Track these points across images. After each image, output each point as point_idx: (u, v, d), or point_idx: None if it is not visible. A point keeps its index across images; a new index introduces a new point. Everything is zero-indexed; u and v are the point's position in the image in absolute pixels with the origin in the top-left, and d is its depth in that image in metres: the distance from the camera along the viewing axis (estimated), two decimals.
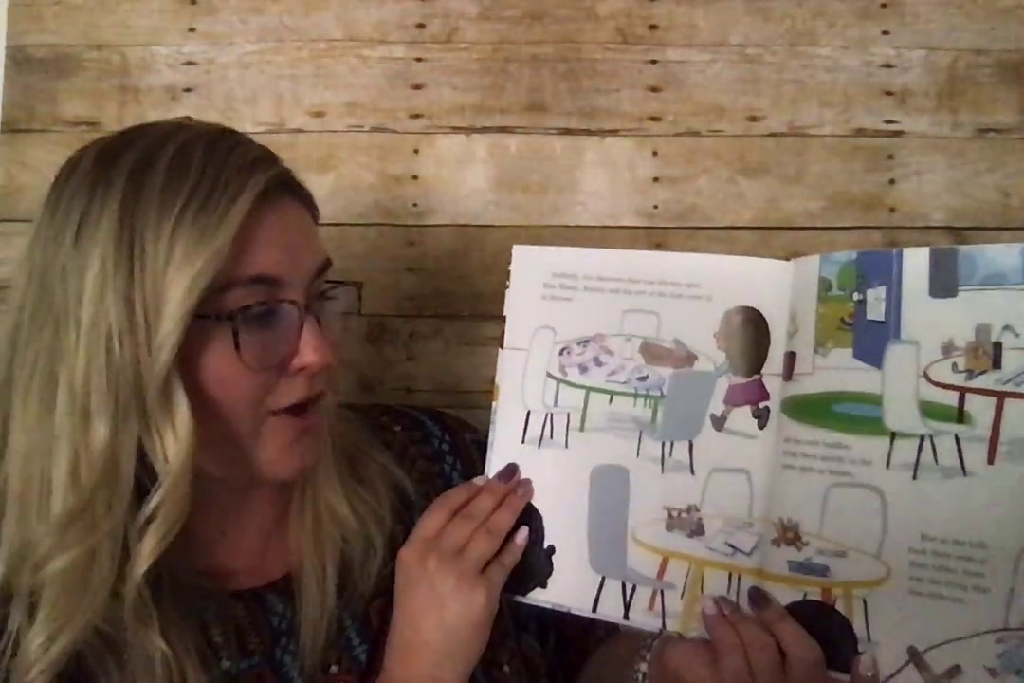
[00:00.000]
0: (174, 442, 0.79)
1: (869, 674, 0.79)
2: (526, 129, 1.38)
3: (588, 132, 1.37)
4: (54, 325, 0.79)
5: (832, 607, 0.82)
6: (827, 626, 0.82)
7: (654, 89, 1.37)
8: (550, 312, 0.96)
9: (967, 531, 0.77)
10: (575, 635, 1.11)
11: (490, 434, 0.98)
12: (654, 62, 1.37)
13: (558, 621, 1.08)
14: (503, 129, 1.38)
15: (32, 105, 1.38)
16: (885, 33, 1.36)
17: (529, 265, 0.98)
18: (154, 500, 0.79)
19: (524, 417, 0.97)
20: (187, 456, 0.79)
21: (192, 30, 1.38)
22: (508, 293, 0.98)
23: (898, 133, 1.36)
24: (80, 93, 1.38)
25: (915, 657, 0.78)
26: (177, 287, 0.76)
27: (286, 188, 0.87)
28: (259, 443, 0.85)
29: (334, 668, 0.90)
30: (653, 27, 1.37)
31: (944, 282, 0.79)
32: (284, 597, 0.93)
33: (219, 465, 0.85)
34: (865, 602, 0.81)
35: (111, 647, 0.81)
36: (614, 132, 1.37)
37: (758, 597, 0.85)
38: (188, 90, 1.38)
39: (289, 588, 0.93)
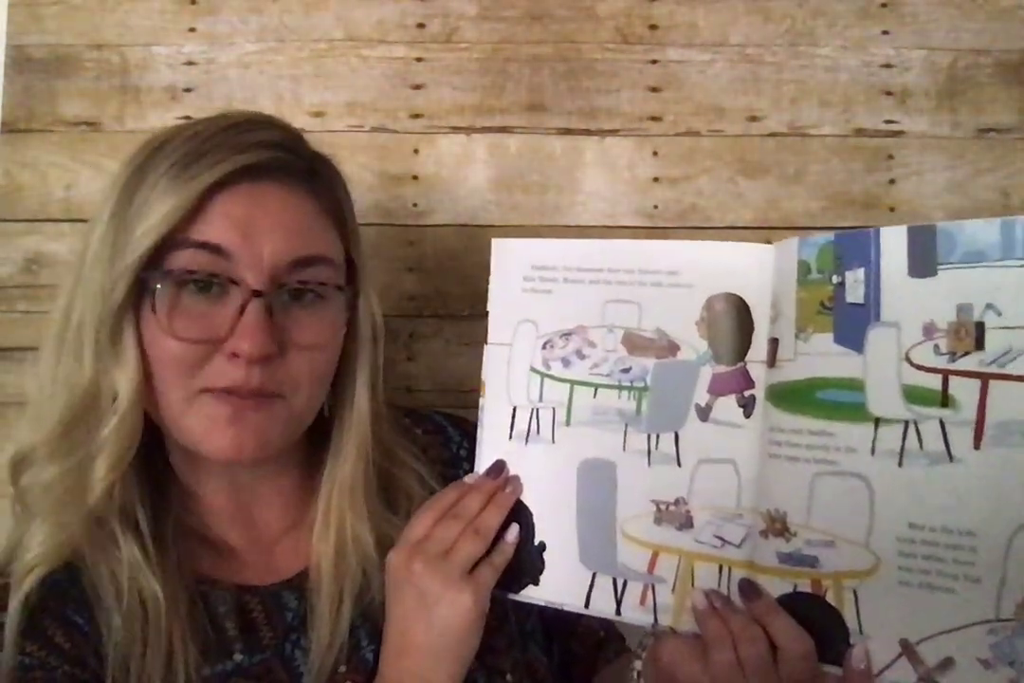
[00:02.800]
0: (124, 378, 0.85)
1: (862, 666, 0.79)
2: (526, 129, 1.40)
3: (588, 132, 1.40)
4: (76, 273, 0.89)
5: (823, 599, 0.82)
6: (818, 618, 0.82)
7: (654, 89, 1.40)
8: (531, 305, 0.97)
9: (955, 519, 0.76)
10: (583, 653, 1.12)
11: (478, 431, 0.99)
12: (654, 62, 1.40)
13: (566, 637, 1.11)
14: (503, 129, 1.40)
15: (32, 105, 1.41)
16: (885, 33, 1.39)
17: (508, 258, 0.99)
18: (104, 431, 0.86)
19: (510, 413, 0.98)
20: (135, 390, 0.86)
21: (192, 30, 1.41)
22: (490, 287, 0.99)
23: (898, 133, 1.39)
24: (80, 93, 1.41)
25: (907, 649, 0.78)
26: (135, 239, 0.84)
27: (290, 174, 0.90)
28: (188, 416, 0.88)
29: (342, 668, 0.92)
30: (653, 27, 1.40)
31: (923, 261, 0.78)
32: (298, 593, 0.95)
33: (163, 427, 0.91)
34: (855, 593, 0.81)
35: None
36: (614, 132, 1.40)
37: (748, 589, 0.85)
38: (188, 90, 1.41)
39: (303, 585, 0.95)
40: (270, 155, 0.87)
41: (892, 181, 1.38)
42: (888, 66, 1.39)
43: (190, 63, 1.41)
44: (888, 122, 1.39)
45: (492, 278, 0.99)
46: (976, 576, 0.75)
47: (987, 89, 1.38)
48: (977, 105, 1.38)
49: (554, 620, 1.08)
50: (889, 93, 1.38)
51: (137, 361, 0.85)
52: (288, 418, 0.91)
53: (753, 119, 1.39)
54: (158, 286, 0.85)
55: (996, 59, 1.38)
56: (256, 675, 0.90)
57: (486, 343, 0.99)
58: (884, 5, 1.39)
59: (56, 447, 0.87)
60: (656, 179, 1.40)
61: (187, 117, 1.39)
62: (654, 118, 1.40)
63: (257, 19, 1.41)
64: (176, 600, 0.86)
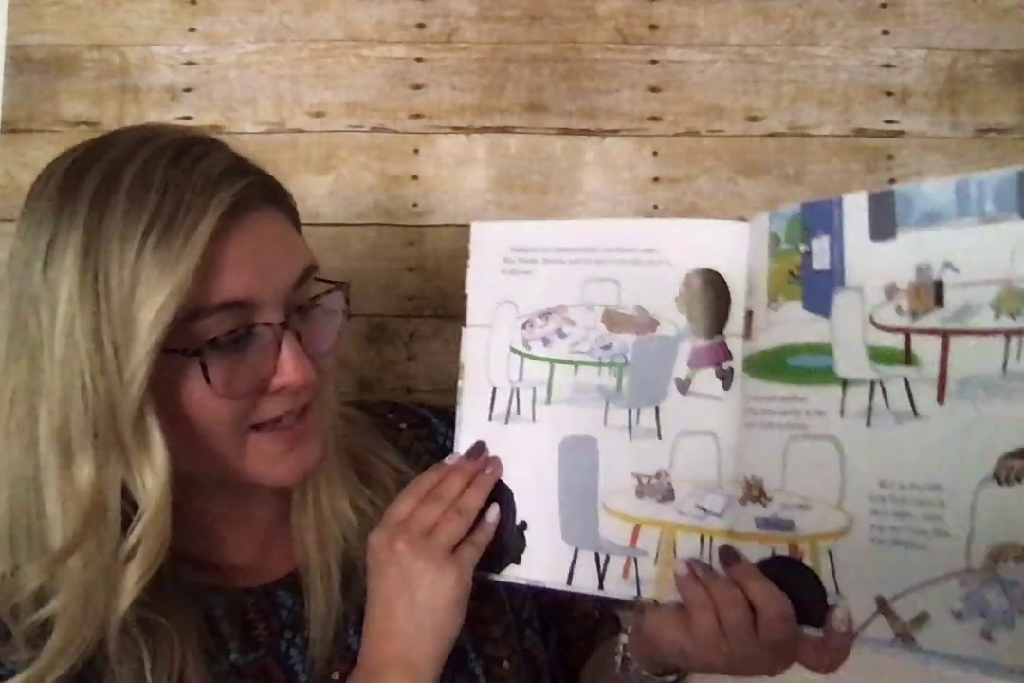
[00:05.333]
0: (152, 476, 0.80)
1: (843, 629, 0.82)
2: (526, 129, 1.43)
3: (588, 132, 1.43)
4: (30, 357, 0.80)
5: (799, 561, 0.85)
6: (796, 581, 0.84)
7: (654, 89, 1.43)
8: (511, 287, 0.99)
9: (923, 474, 0.78)
10: (578, 636, 1.14)
11: (457, 413, 1.02)
12: (654, 62, 1.43)
13: (562, 620, 1.13)
14: (503, 129, 1.43)
15: (32, 105, 1.44)
16: (885, 33, 1.42)
17: (488, 241, 1.01)
18: (133, 537, 0.82)
19: (490, 394, 1.00)
20: (164, 491, 0.81)
21: (192, 30, 1.44)
22: (468, 271, 1.01)
23: (898, 133, 1.42)
24: (80, 93, 1.44)
25: (883, 607, 0.80)
26: (143, 321, 0.76)
27: (257, 199, 0.85)
28: (245, 457, 0.87)
29: (336, 670, 0.94)
30: (653, 27, 1.43)
31: (883, 224, 0.81)
32: (292, 592, 0.96)
33: (214, 475, 0.89)
34: (831, 554, 0.83)
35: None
36: (614, 132, 1.43)
37: (727, 555, 0.88)
38: (188, 90, 1.44)
39: (296, 584, 0.96)
40: (240, 185, 0.82)
41: (892, 181, 1.40)
42: (888, 66, 1.41)
43: (190, 63, 1.44)
44: (888, 122, 1.41)
45: (471, 261, 1.02)
46: (945, 530, 0.77)
47: (987, 89, 1.41)
48: (977, 105, 1.41)
49: (550, 605, 1.11)
50: (889, 93, 1.41)
51: (165, 451, 0.80)
52: (322, 417, 0.93)
53: (753, 119, 1.42)
54: (206, 359, 0.80)
55: (996, 59, 1.41)
56: (252, 674, 0.91)
57: (464, 326, 1.02)
58: (884, 5, 1.41)
59: (60, 571, 0.82)
60: (656, 179, 1.43)
61: (187, 117, 1.43)
62: (654, 118, 1.43)
63: (257, 19, 1.44)
64: (186, 629, 0.87)
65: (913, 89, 1.41)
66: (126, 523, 0.82)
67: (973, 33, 1.41)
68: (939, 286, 0.78)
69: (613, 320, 0.95)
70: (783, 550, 0.86)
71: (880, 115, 1.42)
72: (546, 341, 0.97)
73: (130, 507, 0.82)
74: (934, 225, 0.78)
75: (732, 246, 0.91)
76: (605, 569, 0.93)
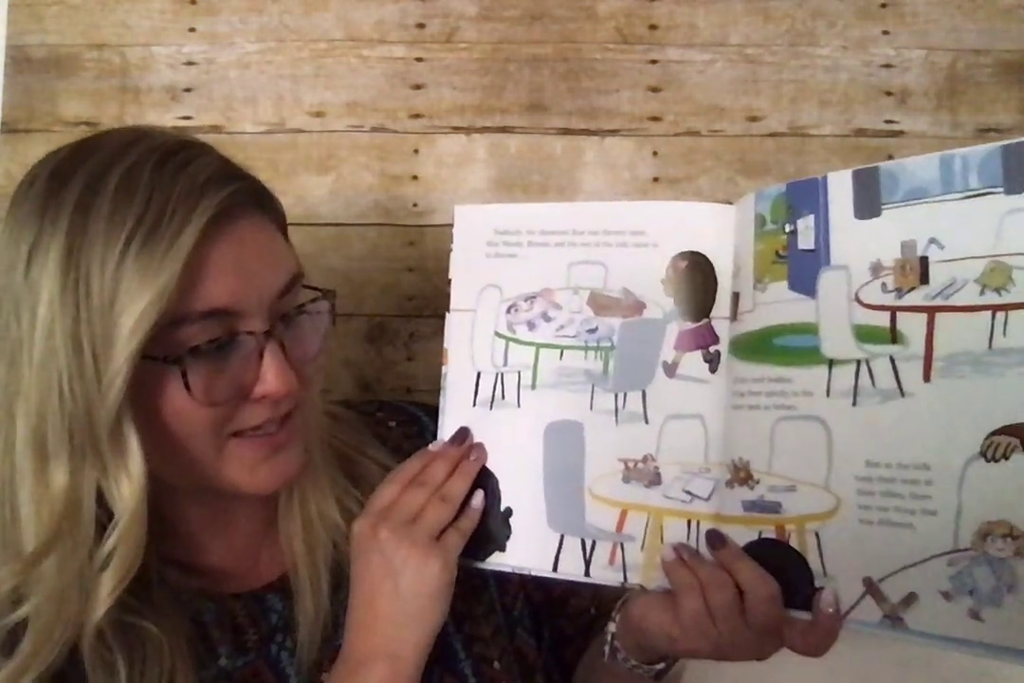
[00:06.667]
0: (127, 484, 0.80)
1: (830, 610, 0.82)
2: (526, 129, 1.45)
3: (588, 132, 1.44)
4: (9, 359, 0.80)
5: (786, 543, 0.85)
6: (782, 563, 0.85)
7: (654, 89, 1.44)
8: (495, 270, 1.00)
9: (910, 453, 0.79)
10: (574, 633, 1.14)
11: (441, 399, 1.01)
12: (654, 62, 1.44)
13: (556, 618, 1.13)
14: (503, 129, 1.45)
15: (32, 105, 1.45)
16: (885, 33, 1.43)
17: (472, 224, 1.02)
18: (108, 545, 0.82)
19: (475, 379, 1.00)
20: (140, 499, 0.81)
21: (192, 30, 1.46)
22: (452, 255, 1.02)
23: (898, 133, 1.42)
24: (80, 93, 1.46)
25: (871, 588, 0.81)
26: (123, 327, 0.76)
27: (244, 205, 0.85)
28: (224, 464, 0.87)
29: (326, 672, 0.93)
30: (653, 27, 1.44)
31: (868, 202, 0.82)
32: (282, 596, 0.97)
33: (193, 482, 0.89)
34: (818, 536, 0.84)
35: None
36: (614, 132, 1.44)
37: (714, 538, 0.88)
38: (188, 90, 1.45)
39: (286, 587, 0.97)
40: (226, 191, 0.82)
41: None
42: (888, 66, 1.42)
43: (190, 63, 1.45)
44: (888, 122, 1.42)
45: (455, 245, 1.03)
46: (933, 509, 0.78)
47: (987, 89, 1.42)
48: (977, 105, 1.42)
49: (542, 602, 1.11)
50: (889, 93, 1.42)
51: (141, 459, 0.80)
52: (304, 424, 0.93)
53: (753, 119, 1.43)
54: (187, 367, 0.80)
55: (996, 59, 1.42)
56: (242, 678, 0.92)
57: (448, 311, 1.02)
58: (884, 5, 1.42)
59: (33, 575, 0.82)
60: (656, 179, 1.44)
61: (187, 117, 1.45)
62: (654, 118, 1.44)
63: (257, 19, 1.45)
64: (175, 634, 0.87)
65: (913, 89, 1.42)
66: (102, 531, 0.82)
67: (973, 33, 1.42)
68: (924, 262, 0.79)
69: (599, 303, 0.95)
70: (770, 532, 0.86)
71: (880, 115, 1.42)
72: (531, 325, 0.98)
73: (106, 515, 0.82)
74: (919, 201, 0.79)
75: (719, 228, 0.92)
76: (591, 555, 0.94)
